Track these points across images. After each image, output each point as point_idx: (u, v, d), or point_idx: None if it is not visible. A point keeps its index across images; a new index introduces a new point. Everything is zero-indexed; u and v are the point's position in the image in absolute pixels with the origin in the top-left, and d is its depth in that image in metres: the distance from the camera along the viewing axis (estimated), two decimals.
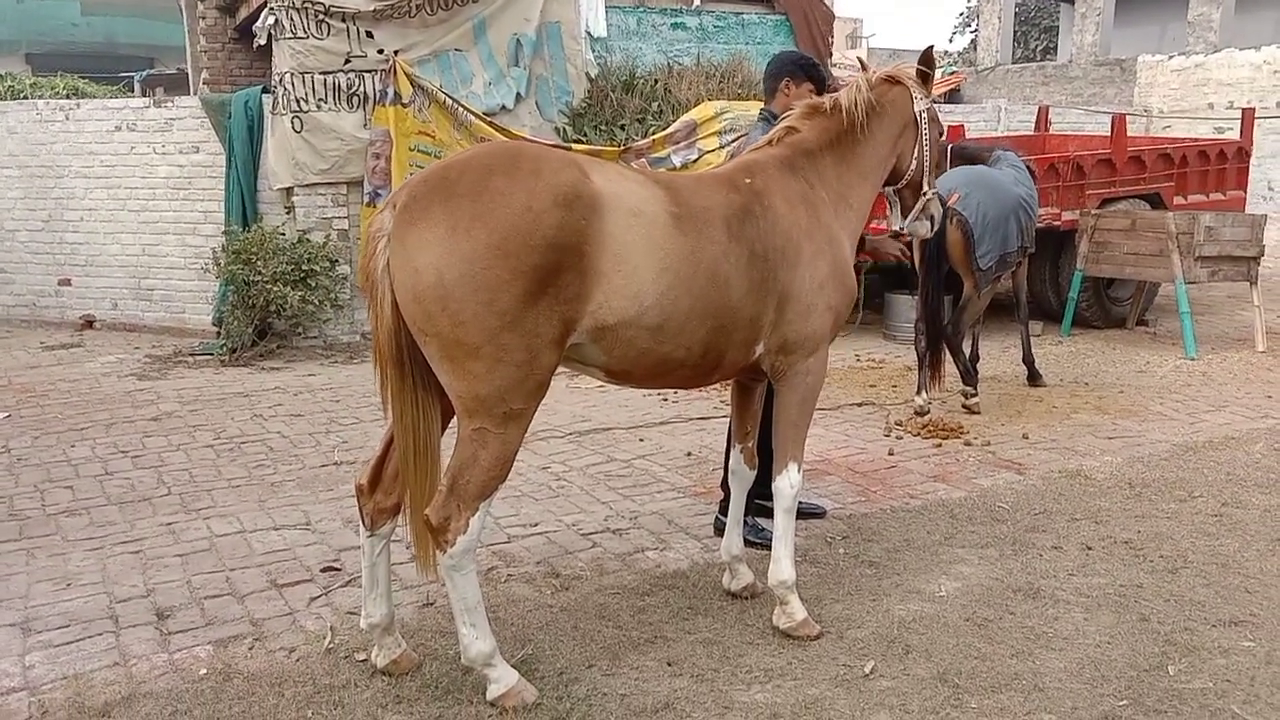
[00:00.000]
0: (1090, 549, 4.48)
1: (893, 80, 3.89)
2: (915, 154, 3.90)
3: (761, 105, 4.71)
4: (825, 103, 3.77)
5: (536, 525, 4.81)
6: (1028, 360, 7.70)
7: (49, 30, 27.83)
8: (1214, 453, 5.92)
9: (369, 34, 9.33)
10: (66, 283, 10.72)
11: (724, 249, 3.26)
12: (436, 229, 2.83)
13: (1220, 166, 11.21)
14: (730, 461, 3.99)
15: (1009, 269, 7.15)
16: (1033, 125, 12.21)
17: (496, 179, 2.88)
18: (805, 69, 4.57)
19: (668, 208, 3.16)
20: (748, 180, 3.48)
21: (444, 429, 3.25)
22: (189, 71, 15.29)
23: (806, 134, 3.70)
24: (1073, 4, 20.76)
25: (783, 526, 3.67)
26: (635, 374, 3.30)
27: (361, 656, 3.49)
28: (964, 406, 6.85)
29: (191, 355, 9.12)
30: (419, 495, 3.09)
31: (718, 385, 7.11)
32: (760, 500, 4.45)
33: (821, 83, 4.52)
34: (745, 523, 4.18)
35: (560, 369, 3.17)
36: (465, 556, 3.02)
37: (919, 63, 3.92)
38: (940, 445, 6.14)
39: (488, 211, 2.83)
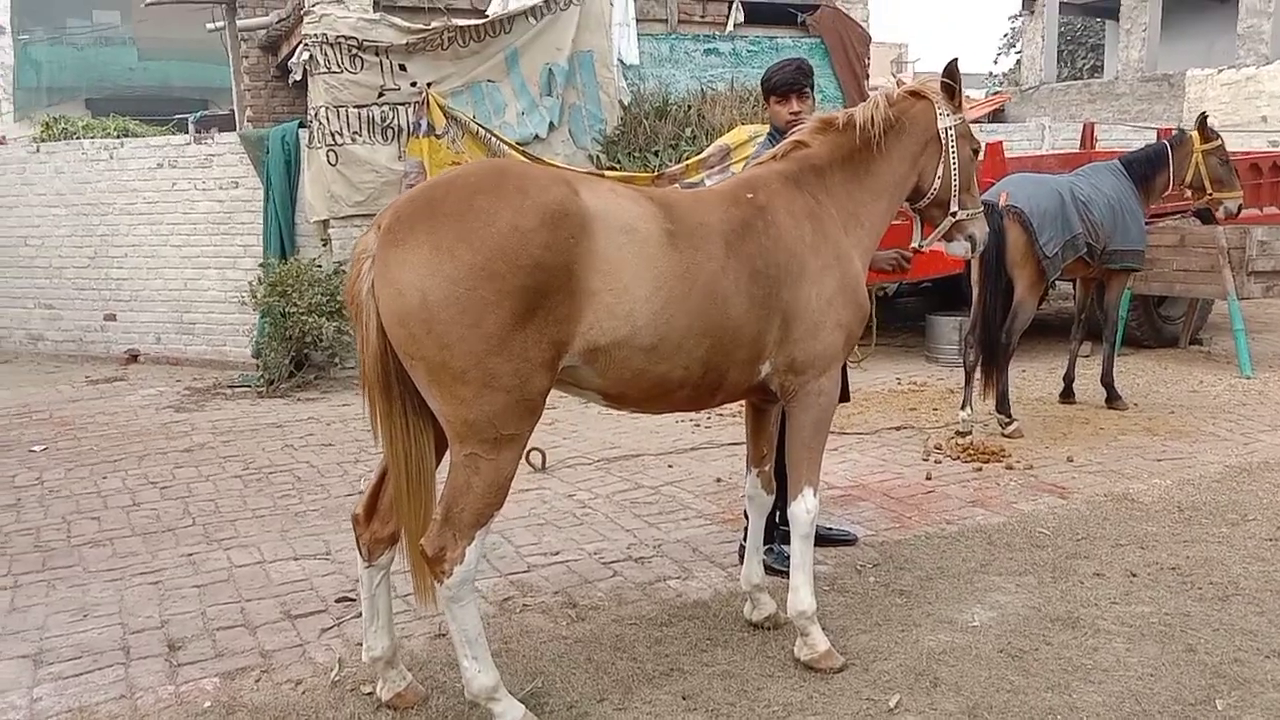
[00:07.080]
0: (1135, 576, 4.27)
1: (916, 95, 3.72)
2: (939, 172, 3.73)
3: None
4: (838, 118, 3.62)
5: (558, 554, 4.71)
6: (1107, 381, 7.44)
7: (108, 76, 28.58)
8: (1269, 475, 5.65)
9: (402, 67, 9.40)
10: (112, 318, 10.90)
11: (722, 265, 3.14)
12: (420, 249, 2.74)
13: (1274, 180, 10.87)
14: (747, 487, 3.85)
15: (1079, 254, 6.90)
16: (1078, 143, 11.94)
17: (481, 198, 2.79)
18: (773, 88, 4.44)
19: (661, 224, 3.04)
20: (749, 195, 3.35)
21: (440, 457, 3.16)
22: (235, 110, 15.56)
23: (816, 149, 3.56)
24: (1118, 21, 20.42)
25: (800, 554, 3.51)
26: (632, 395, 3.18)
27: (368, 689, 3.41)
28: (1003, 435, 6.61)
29: (230, 387, 9.20)
30: (414, 524, 3.00)
31: None
32: (785, 526, 4.30)
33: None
34: (771, 550, 4.04)
35: (557, 392, 3.07)
36: (463, 587, 2.92)
37: (943, 75, 3.73)
38: (981, 469, 5.94)
39: (472, 231, 2.74)
